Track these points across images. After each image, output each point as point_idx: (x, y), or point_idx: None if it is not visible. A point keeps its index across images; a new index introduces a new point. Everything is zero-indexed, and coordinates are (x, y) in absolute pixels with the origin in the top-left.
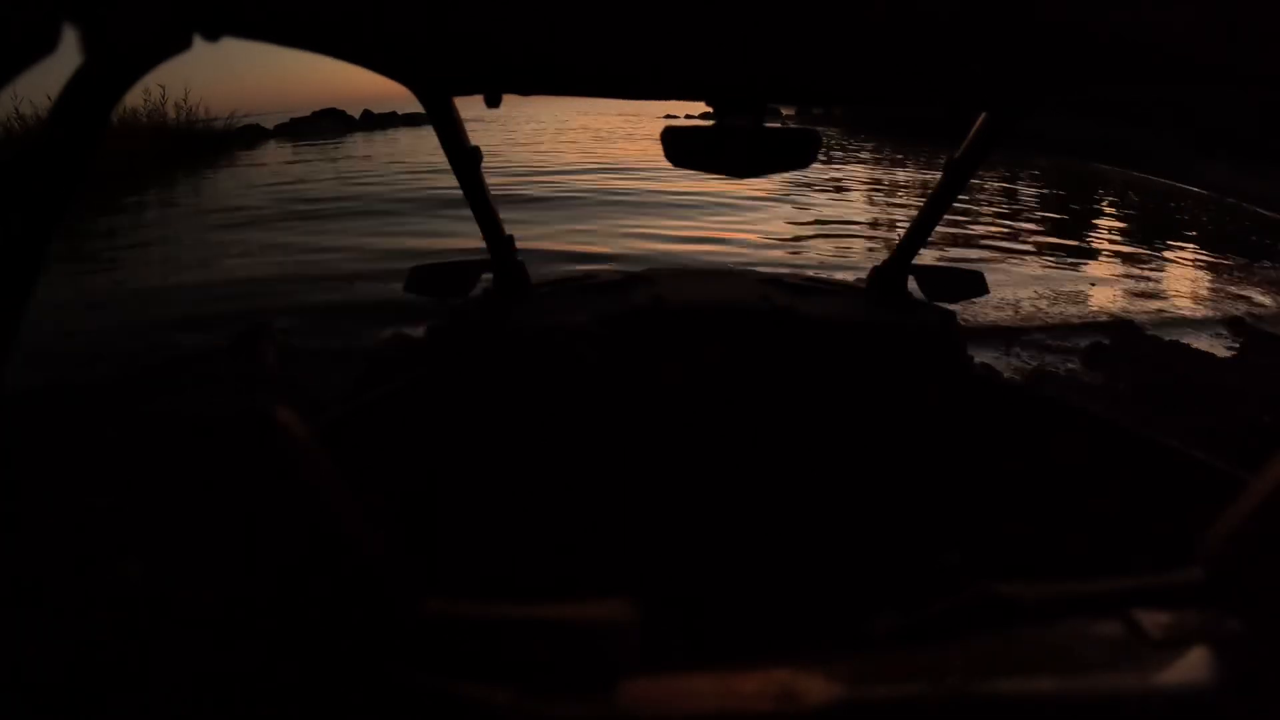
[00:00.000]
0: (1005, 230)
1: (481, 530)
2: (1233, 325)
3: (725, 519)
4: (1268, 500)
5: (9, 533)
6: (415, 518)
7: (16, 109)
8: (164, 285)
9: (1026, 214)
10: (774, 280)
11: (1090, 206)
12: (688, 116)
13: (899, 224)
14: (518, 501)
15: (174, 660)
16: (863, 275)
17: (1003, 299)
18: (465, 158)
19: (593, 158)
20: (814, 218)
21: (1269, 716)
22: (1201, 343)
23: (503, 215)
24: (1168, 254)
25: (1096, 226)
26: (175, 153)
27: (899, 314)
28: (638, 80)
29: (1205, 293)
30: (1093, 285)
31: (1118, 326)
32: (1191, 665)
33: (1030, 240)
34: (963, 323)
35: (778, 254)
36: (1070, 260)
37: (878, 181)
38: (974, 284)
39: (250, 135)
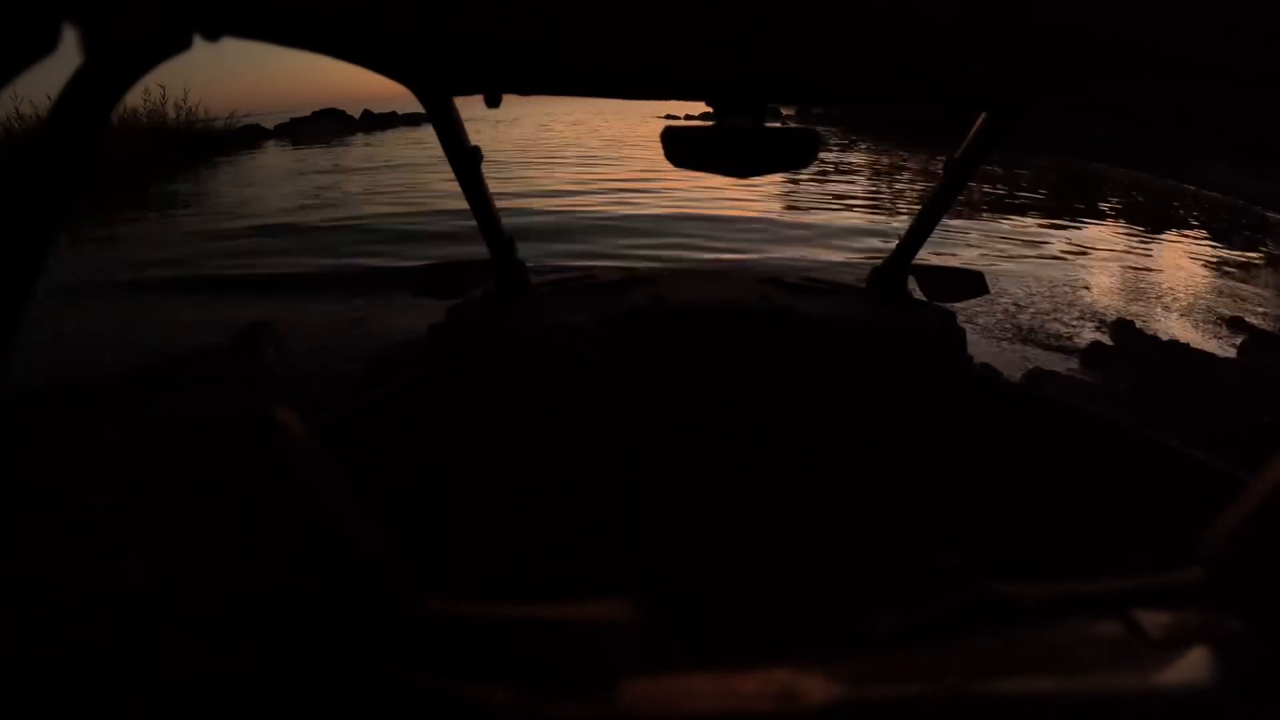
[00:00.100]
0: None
1: (481, 530)
2: (1233, 325)
3: (725, 519)
4: (1268, 500)
5: (9, 533)
6: (415, 518)
7: (16, 109)
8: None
9: (1025, 211)
10: (774, 280)
11: (1090, 206)
12: (688, 116)
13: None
14: (518, 501)
15: (174, 660)
16: (863, 276)
17: (1004, 298)
18: (465, 158)
19: (588, 173)
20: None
21: (1269, 716)
22: (1201, 343)
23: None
24: (1167, 254)
25: (1096, 226)
26: (175, 153)
27: (899, 314)
28: (638, 80)
29: (1205, 292)
30: (1093, 285)
31: (1118, 326)
32: (1191, 665)
33: (1030, 240)
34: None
35: None
36: (1070, 260)
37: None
38: (974, 284)
39: (250, 135)
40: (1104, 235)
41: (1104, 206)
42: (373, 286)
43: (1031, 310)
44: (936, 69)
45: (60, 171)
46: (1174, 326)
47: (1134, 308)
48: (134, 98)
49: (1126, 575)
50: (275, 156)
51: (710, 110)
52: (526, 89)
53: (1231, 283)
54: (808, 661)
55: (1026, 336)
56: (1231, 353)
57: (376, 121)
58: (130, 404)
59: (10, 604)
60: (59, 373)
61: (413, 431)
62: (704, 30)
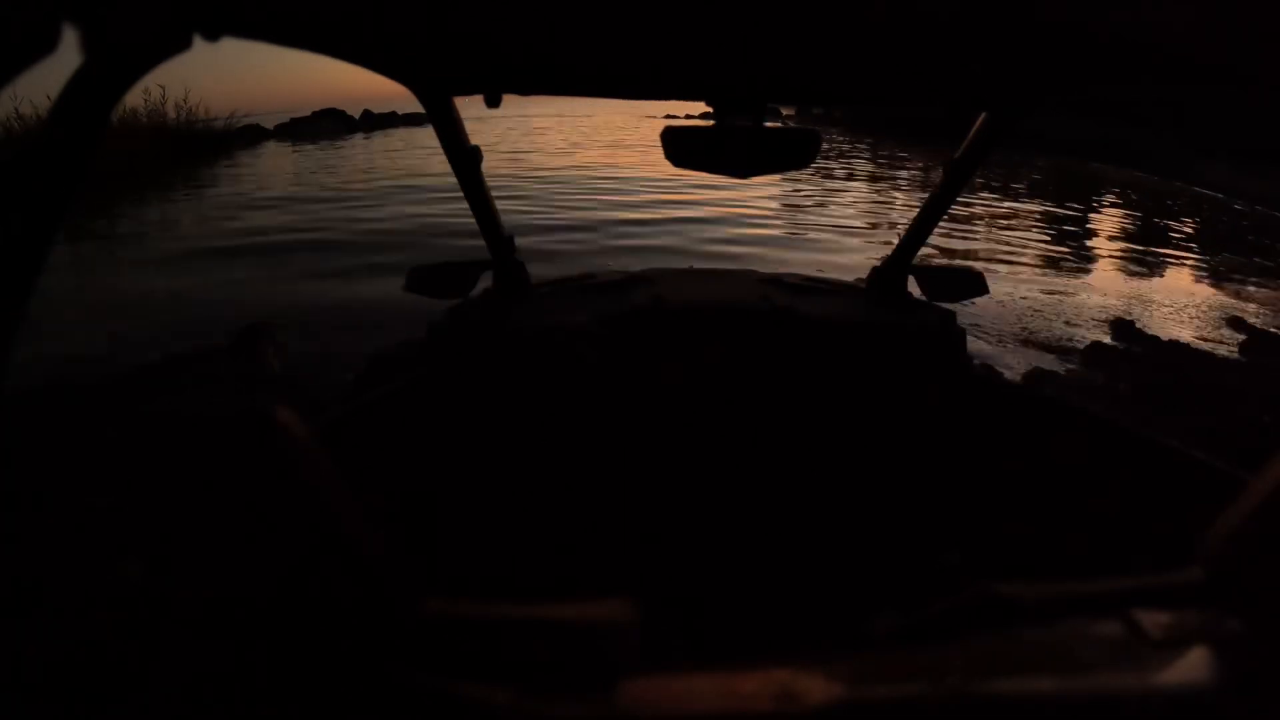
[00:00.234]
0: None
1: (481, 530)
2: (1233, 325)
3: (725, 519)
4: (1268, 500)
5: (9, 533)
6: (415, 518)
7: (16, 109)
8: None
9: (1025, 212)
10: (774, 280)
11: (1089, 206)
12: (688, 116)
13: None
14: (518, 501)
15: (174, 660)
16: (863, 276)
17: (1003, 298)
18: (465, 158)
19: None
20: None
21: (1269, 716)
22: (1201, 343)
23: None
24: (1167, 254)
25: (1095, 226)
26: (175, 153)
27: (899, 314)
28: (638, 80)
29: (1205, 292)
30: (1093, 285)
31: (1118, 326)
32: (1191, 665)
33: (1030, 238)
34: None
35: None
36: (1070, 260)
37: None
38: (974, 284)
39: (250, 135)
40: (1104, 235)
41: (1103, 205)
42: None
43: (1032, 309)
44: (936, 69)
45: (60, 171)
46: (1174, 326)
47: (1134, 307)
48: (134, 98)
49: (1126, 575)
50: (282, 159)
51: (710, 110)
52: (526, 89)
53: (1231, 282)
54: (808, 661)
55: (1026, 339)
56: (1231, 353)
57: (376, 121)
58: (130, 404)
59: (10, 604)
60: (59, 373)
61: (413, 431)
62: (704, 30)
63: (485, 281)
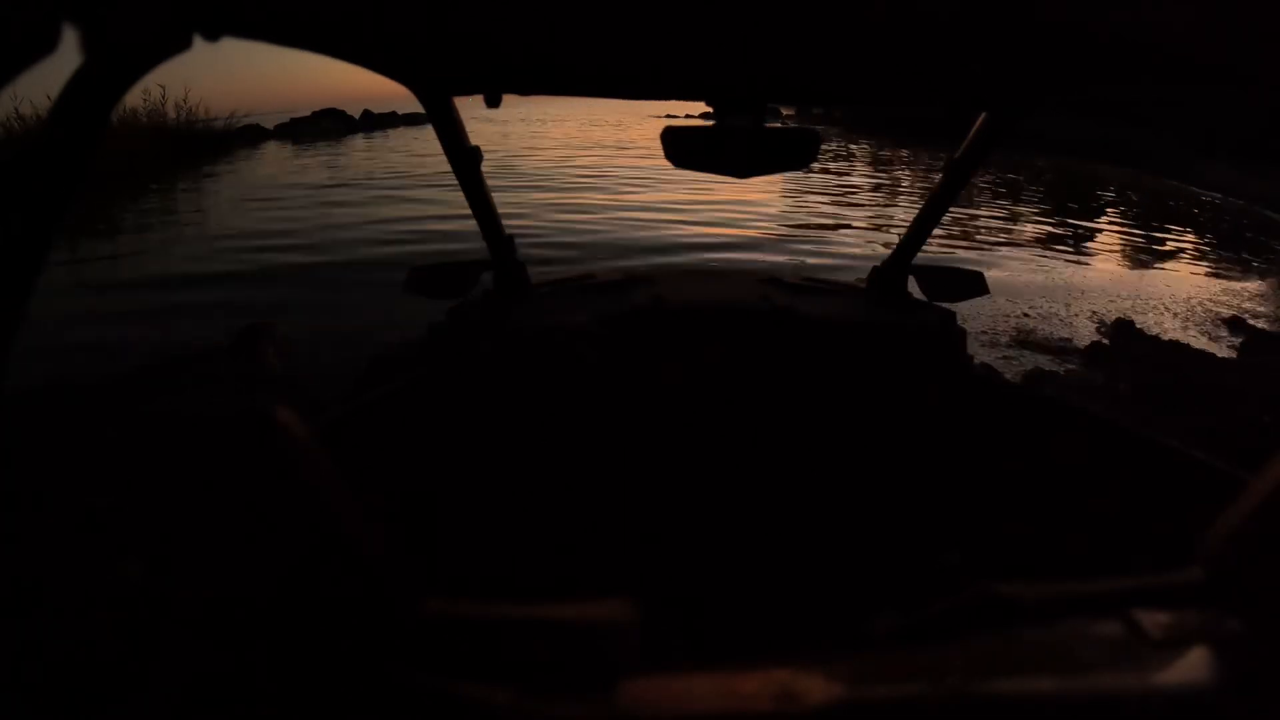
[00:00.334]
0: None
1: (481, 530)
2: (1233, 325)
3: (725, 519)
4: (1268, 500)
5: (9, 533)
6: (415, 518)
7: (16, 109)
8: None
9: (1025, 212)
10: (774, 280)
11: (1089, 206)
12: (688, 116)
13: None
14: (518, 501)
15: (174, 660)
16: (863, 276)
17: (1003, 297)
18: (465, 158)
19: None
20: None
21: (1269, 716)
22: (1201, 343)
23: None
24: (1167, 254)
25: (1095, 226)
26: (175, 153)
27: (899, 314)
28: (638, 80)
29: (1205, 292)
30: (1092, 285)
31: (1118, 326)
32: (1191, 665)
33: (1029, 238)
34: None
35: None
36: (1069, 260)
37: None
38: (974, 284)
39: (250, 135)
40: (1102, 235)
41: (1103, 205)
42: None
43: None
44: (936, 69)
45: (60, 171)
46: (1174, 327)
47: (1134, 306)
48: (134, 98)
49: (1126, 575)
50: (286, 163)
51: (710, 110)
52: (526, 89)
53: (1231, 282)
54: (808, 661)
55: (1026, 339)
56: (1231, 353)
57: (376, 121)
58: (130, 404)
59: (10, 604)
60: (59, 373)
61: (413, 431)
62: (704, 30)
63: (485, 281)
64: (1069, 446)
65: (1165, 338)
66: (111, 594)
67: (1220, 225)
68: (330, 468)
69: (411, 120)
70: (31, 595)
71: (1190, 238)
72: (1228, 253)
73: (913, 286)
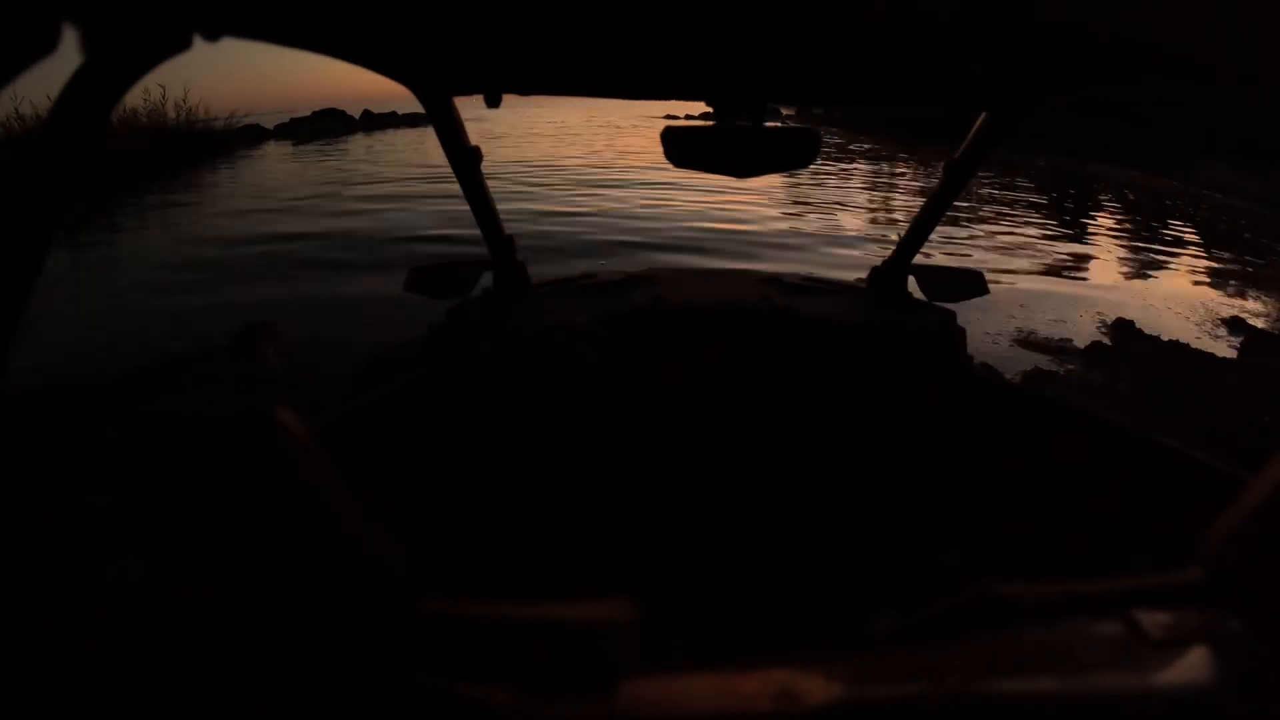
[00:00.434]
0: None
1: (482, 530)
2: (1233, 325)
3: (725, 519)
4: (1268, 500)
5: (9, 533)
6: (415, 518)
7: (16, 109)
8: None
9: (1025, 212)
10: (774, 280)
11: (1089, 206)
12: (688, 116)
13: None
14: (518, 501)
15: (174, 660)
16: (863, 276)
17: (1002, 298)
18: (465, 158)
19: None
20: None
21: (1269, 716)
22: (1201, 343)
23: None
24: (1167, 254)
25: (1095, 226)
26: (175, 153)
27: (899, 314)
28: (638, 80)
29: (1205, 292)
30: (1092, 285)
31: (1118, 326)
32: (1191, 665)
33: (1029, 238)
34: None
35: None
36: (1069, 260)
37: None
38: (974, 284)
39: (250, 135)
40: (1102, 235)
41: (1103, 204)
42: None
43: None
44: (936, 69)
45: (60, 171)
46: (1174, 326)
47: (1134, 306)
48: (134, 98)
49: (1126, 575)
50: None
51: (710, 110)
52: (526, 89)
53: (1231, 282)
54: (808, 661)
55: (1025, 339)
56: (1231, 353)
57: (376, 121)
58: (130, 404)
59: (10, 604)
60: (59, 373)
61: (413, 431)
62: (704, 30)
63: (485, 281)
64: (1069, 446)
65: (1165, 338)
66: (111, 594)
67: (1220, 225)
68: (330, 468)
69: (411, 120)
70: (31, 595)
71: (1190, 238)
72: (1228, 253)
73: (913, 287)
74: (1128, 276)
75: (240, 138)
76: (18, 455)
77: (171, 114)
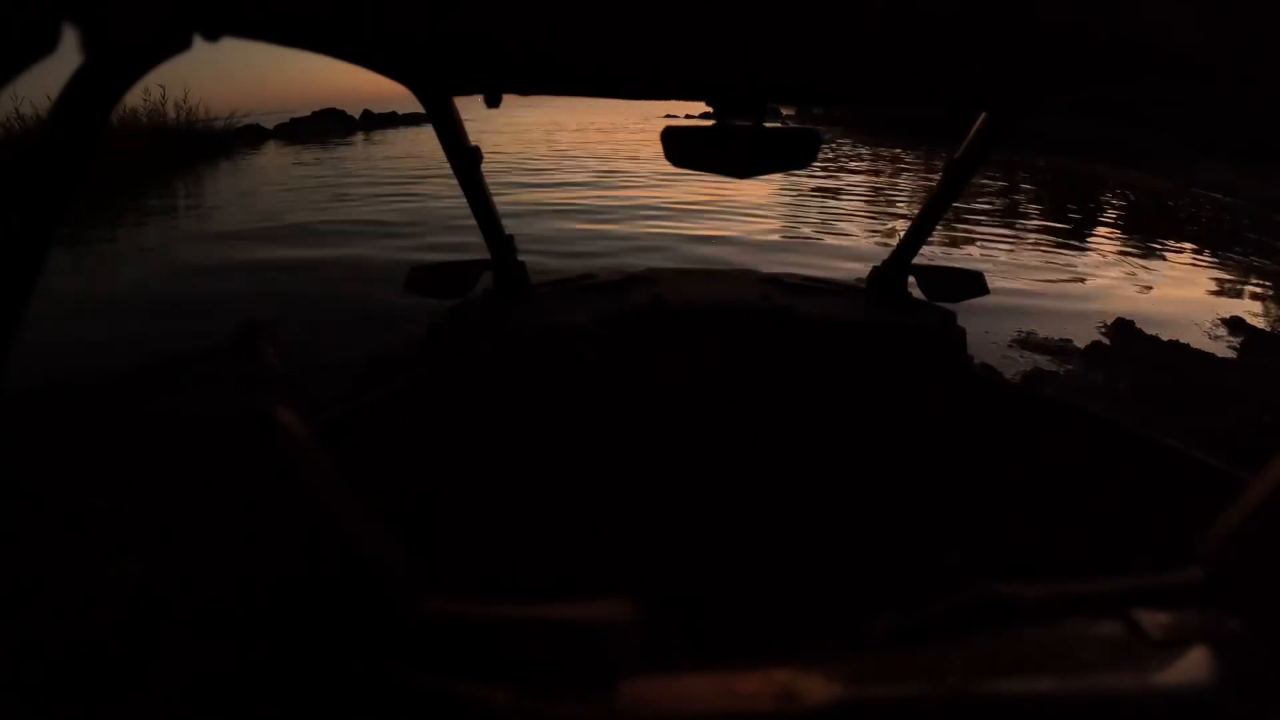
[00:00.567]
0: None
1: (482, 530)
2: (1233, 325)
3: (725, 519)
4: (1268, 500)
5: (9, 533)
6: (415, 518)
7: (16, 109)
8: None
9: (1024, 212)
10: (774, 280)
11: (1088, 206)
12: (688, 116)
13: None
14: (518, 501)
15: (174, 660)
16: (864, 276)
17: (1002, 297)
18: (465, 158)
19: None
20: None
21: (1269, 716)
22: (1201, 343)
23: None
24: (1167, 253)
25: (1094, 226)
26: (175, 153)
27: (899, 314)
28: (638, 80)
29: (1205, 292)
30: (1092, 285)
31: (1118, 326)
32: (1191, 665)
33: (1029, 238)
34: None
35: None
36: (1069, 260)
37: None
38: (974, 284)
39: (250, 135)
40: (1102, 235)
41: (1102, 205)
42: None
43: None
44: (936, 69)
45: (60, 171)
46: (1174, 326)
47: (1134, 306)
48: (134, 98)
49: (1126, 575)
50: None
51: (710, 110)
52: (526, 89)
53: (1231, 282)
54: (808, 661)
55: (1025, 339)
56: (1231, 353)
57: (376, 121)
58: (130, 404)
59: (10, 604)
60: (59, 373)
61: (413, 431)
62: (704, 30)
63: (485, 281)
64: (1069, 446)
65: (1165, 338)
66: (111, 594)
67: (1220, 225)
68: (330, 468)
69: (412, 120)
70: (31, 595)
71: (1190, 238)
72: (1228, 253)
73: (913, 287)
74: (1128, 276)
75: (240, 138)
76: (18, 455)
77: (171, 114)
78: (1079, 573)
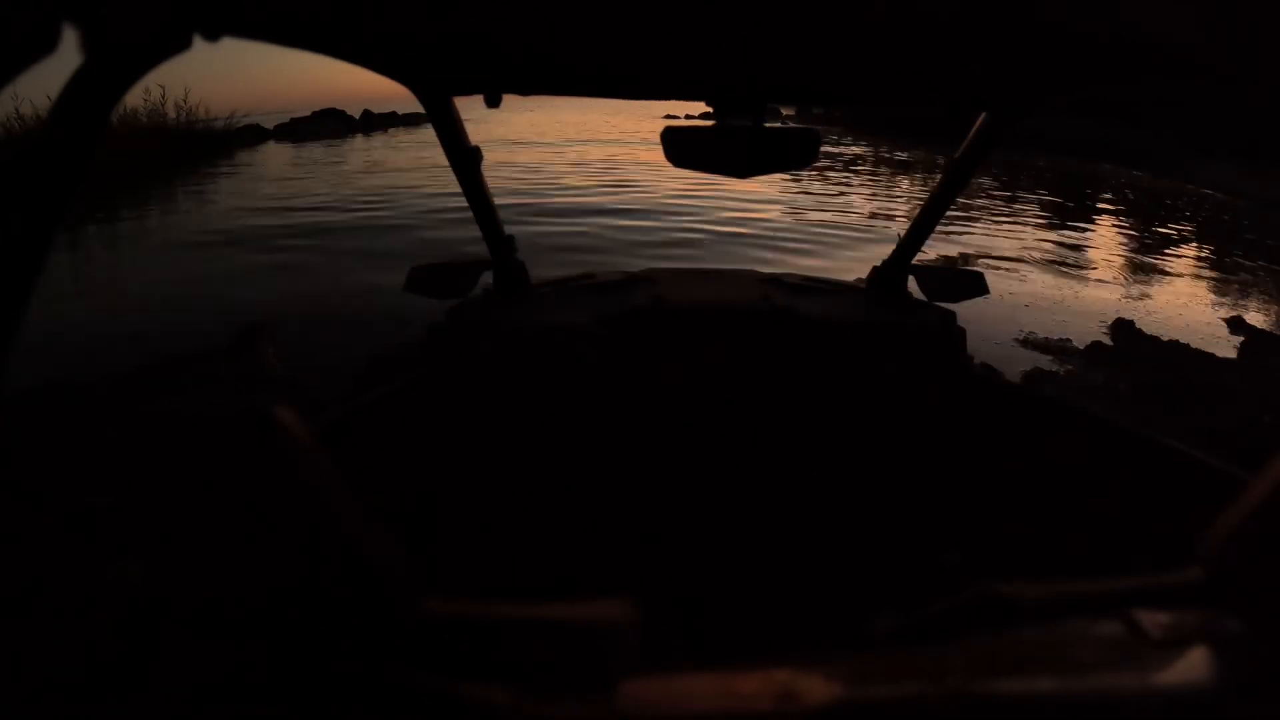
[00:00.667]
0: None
1: (482, 530)
2: (1233, 325)
3: (725, 519)
4: (1268, 500)
5: (9, 533)
6: (415, 518)
7: (16, 109)
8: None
9: (1024, 212)
10: (774, 280)
11: (1089, 206)
12: (688, 116)
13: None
14: (518, 501)
15: (174, 660)
16: (864, 276)
17: (1001, 297)
18: (465, 158)
19: None
20: None
21: (1269, 716)
22: (1201, 343)
23: None
24: (1167, 253)
25: (1095, 226)
26: (175, 153)
27: (899, 314)
28: (638, 80)
29: (1205, 292)
30: (1092, 285)
31: (1118, 326)
32: (1191, 665)
33: (1029, 238)
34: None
35: None
36: (1069, 260)
37: None
38: (974, 284)
39: (250, 135)
40: (1102, 235)
41: (1102, 204)
42: None
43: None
44: (936, 69)
45: (60, 171)
46: (1174, 326)
47: (1134, 306)
48: (134, 98)
49: (1126, 575)
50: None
51: (710, 110)
52: (526, 89)
53: (1231, 282)
54: (808, 661)
55: (1025, 338)
56: (1231, 353)
57: (376, 121)
58: (130, 404)
59: (10, 604)
60: (59, 373)
61: (413, 431)
62: (704, 30)
63: (486, 281)
64: (1069, 446)
65: (1165, 338)
66: (111, 594)
67: (1220, 225)
68: (330, 468)
69: (412, 120)
70: (31, 595)
71: (1190, 237)
72: (1228, 252)
73: (913, 287)
74: (1128, 276)
75: (240, 138)
76: (18, 455)
77: (171, 114)
78: (1079, 573)
